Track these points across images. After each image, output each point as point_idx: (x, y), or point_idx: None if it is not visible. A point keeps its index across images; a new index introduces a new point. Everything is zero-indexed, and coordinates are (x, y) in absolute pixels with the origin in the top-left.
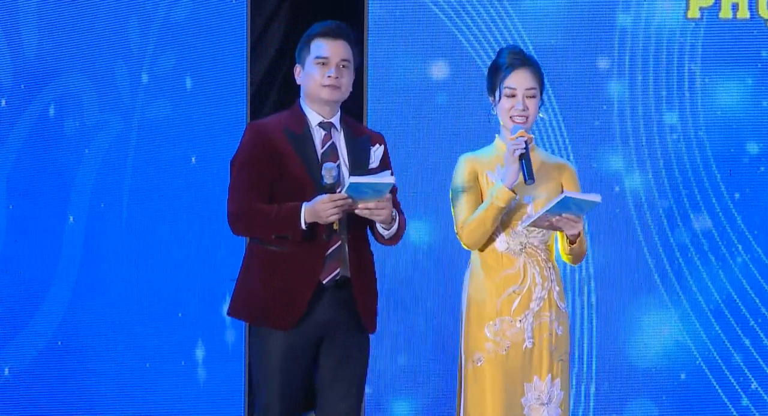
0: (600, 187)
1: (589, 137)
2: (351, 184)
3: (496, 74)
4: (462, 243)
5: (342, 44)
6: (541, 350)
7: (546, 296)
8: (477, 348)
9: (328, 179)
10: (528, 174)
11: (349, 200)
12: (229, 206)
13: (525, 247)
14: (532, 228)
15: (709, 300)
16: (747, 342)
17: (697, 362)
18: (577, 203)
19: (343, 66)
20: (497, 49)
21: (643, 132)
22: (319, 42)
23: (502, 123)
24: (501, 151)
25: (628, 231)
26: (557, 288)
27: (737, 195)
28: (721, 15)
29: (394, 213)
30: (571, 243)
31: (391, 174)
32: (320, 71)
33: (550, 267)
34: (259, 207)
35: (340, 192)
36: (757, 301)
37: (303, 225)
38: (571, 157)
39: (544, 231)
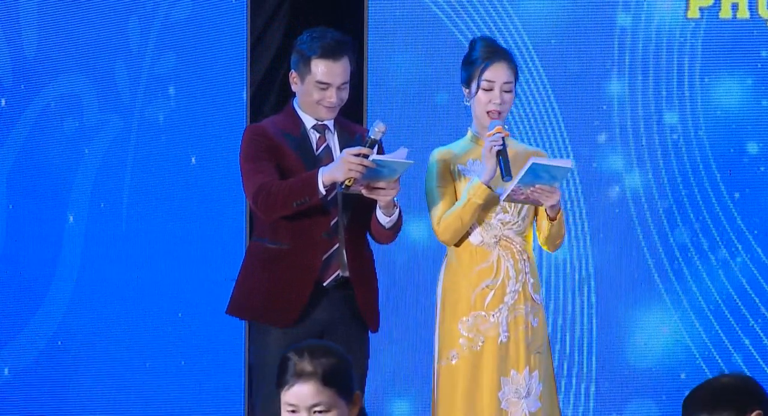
0: (600, 187)
1: (589, 137)
2: (371, 160)
3: (472, 66)
4: (438, 239)
5: (343, 64)
6: (517, 343)
7: (520, 289)
8: (451, 345)
9: (376, 135)
10: (505, 170)
11: (368, 162)
12: (250, 191)
13: (499, 240)
14: (507, 221)
15: (709, 300)
16: (747, 342)
17: (697, 362)
18: (548, 170)
19: (343, 88)
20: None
21: (643, 132)
22: (321, 64)
23: (476, 116)
24: (473, 144)
25: (628, 231)
26: (532, 280)
27: (737, 195)
28: (721, 15)
29: (395, 200)
30: (551, 219)
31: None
32: (320, 94)
33: (524, 259)
34: (277, 181)
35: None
36: (757, 301)
37: (320, 186)
38: (571, 157)
39: (520, 222)
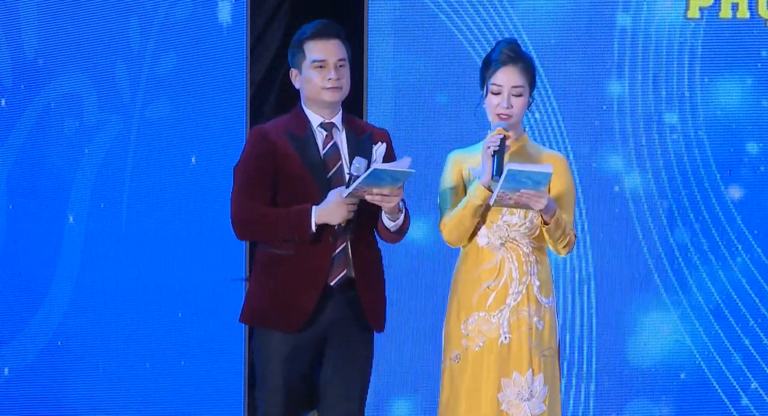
0: (600, 186)
1: (589, 137)
2: (374, 170)
3: (486, 69)
4: (444, 239)
5: (335, 43)
6: (520, 345)
7: (524, 291)
8: (455, 345)
9: (357, 172)
10: (497, 171)
11: (358, 198)
12: (233, 210)
13: (505, 242)
14: (513, 223)
15: (709, 300)
16: (747, 342)
17: (697, 362)
18: (528, 176)
19: (341, 65)
20: None
21: (643, 132)
22: (313, 45)
23: (488, 117)
24: None
25: (627, 231)
26: (537, 283)
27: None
28: (721, 15)
29: (401, 204)
30: (545, 223)
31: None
32: (319, 74)
33: (531, 262)
34: (265, 211)
35: (357, 178)
36: (757, 301)
37: (313, 228)
38: (571, 157)
39: (528, 224)
